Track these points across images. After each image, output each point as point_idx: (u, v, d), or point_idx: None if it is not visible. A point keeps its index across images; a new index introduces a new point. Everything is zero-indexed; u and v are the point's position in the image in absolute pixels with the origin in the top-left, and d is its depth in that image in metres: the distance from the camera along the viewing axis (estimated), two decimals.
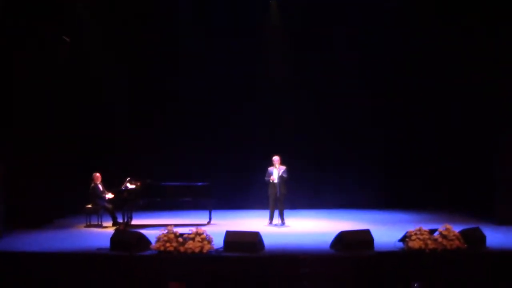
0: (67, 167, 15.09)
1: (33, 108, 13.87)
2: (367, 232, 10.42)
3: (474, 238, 10.28)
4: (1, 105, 12.99)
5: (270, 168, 13.44)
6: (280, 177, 13.28)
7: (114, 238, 10.36)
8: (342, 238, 10.21)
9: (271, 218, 13.59)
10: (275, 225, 13.42)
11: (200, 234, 9.95)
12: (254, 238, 10.22)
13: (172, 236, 9.96)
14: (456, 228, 10.26)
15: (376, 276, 9.27)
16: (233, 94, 16.95)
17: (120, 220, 13.51)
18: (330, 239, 10.49)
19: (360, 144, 17.02)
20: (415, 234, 9.94)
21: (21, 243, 11.18)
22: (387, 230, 12.27)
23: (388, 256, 9.75)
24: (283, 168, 13.37)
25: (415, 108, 16.86)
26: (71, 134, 15.42)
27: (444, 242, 9.84)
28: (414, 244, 9.79)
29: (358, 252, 9.87)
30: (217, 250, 10.01)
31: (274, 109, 17.09)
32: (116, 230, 11.73)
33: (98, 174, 13.88)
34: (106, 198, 13.65)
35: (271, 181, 13.32)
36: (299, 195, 16.23)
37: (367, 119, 16.97)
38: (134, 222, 13.90)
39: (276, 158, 13.43)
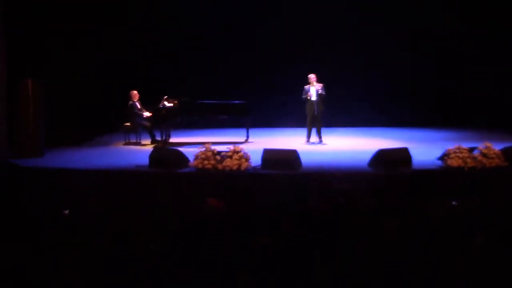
0: (106, 87, 15.15)
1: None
2: (405, 150, 10.30)
3: None
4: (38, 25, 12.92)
5: (306, 87, 13.27)
6: (318, 95, 13.12)
7: (152, 156, 10.46)
8: (381, 156, 10.12)
9: (309, 136, 13.54)
10: (313, 143, 13.40)
11: (237, 152, 9.97)
12: (291, 156, 10.21)
13: (210, 153, 10.00)
14: (496, 147, 10.07)
15: (414, 194, 9.21)
16: (269, 13, 16.64)
17: (158, 138, 13.64)
18: (367, 157, 10.42)
19: (399, 60, 16.66)
20: (454, 152, 9.79)
21: (62, 160, 11.38)
22: (425, 148, 12.16)
23: (426, 174, 9.66)
24: (320, 85, 13.18)
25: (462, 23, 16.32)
26: (109, 54, 15.38)
27: (484, 160, 9.68)
28: (453, 162, 9.66)
29: (396, 170, 9.79)
30: (254, 167, 10.05)
31: (310, 26, 16.76)
32: (154, 148, 11.85)
33: (135, 92, 13.93)
34: (144, 116, 13.73)
35: (308, 98, 13.18)
36: (337, 113, 16.11)
37: (405, 34, 16.52)
38: (172, 140, 14.04)
39: (312, 76, 13.22)
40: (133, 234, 5.60)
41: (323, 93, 13.14)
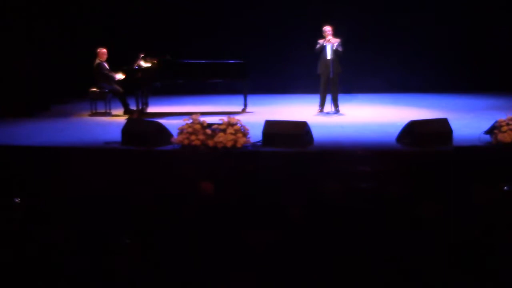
0: (64, 39, 15.06)
1: None
2: (444, 122, 10.27)
3: None
4: None
5: (320, 41, 13.21)
6: (334, 52, 13.07)
7: (126, 129, 10.42)
8: (413, 129, 10.09)
9: (322, 104, 13.53)
10: (327, 113, 13.39)
11: (233, 125, 9.94)
12: (300, 130, 10.18)
13: (198, 126, 9.96)
14: None
15: (455, 177, 9.20)
16: None
17: (133, 107, 13.60)
18: (396, 130, 10.40)
19: (434, 13, 16.64)
20: (507, 124, 9.74)
21: (8, 135, 11.31)
22: (470, 119, 12.16)
23: (471, 151, 9.65)
24: (337, 40, 13.12)
25: None
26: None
27: None
28: (505, 136, 9.61)
29: (432, 147, 9.77)
30: (254, 144, 10.04)
31: None
32: (128, 120, 11.81)
33: (104, 50, 13.84)
34: (116, 79, 13.67)
35: (321, 52, 13.10)
36: (357, 75, 16.08)
37: None
38: (151, 109, 14.03)
39: (327, 29, 13.16)
40: (105, 227, 5.63)
41: (340, 49, 13.08)
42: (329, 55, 13.10)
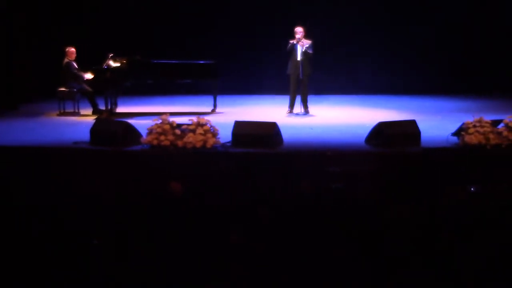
0: (31, 37, 14.92)
1: None
2: (412, 123, 10.34)
3: None
4: None
5: (291, 42, 13.23)
6: (304, 53, 13.10)
7: (95, 129, 10.36)
8: (381, 131, 10.15)
9: (292, 105, 13.55)
10: (297, 114, 13.41)
11: (202, 125, 9.92)
12: (270, 130, 10.19)
13: (167, 127, 9.93)
14: None
15: (422, 178, 9.26)
16: None
17: (102, 107, 13.51)
18: (365, 132, 10.46)
19: (407, 14, 16.77)
20: (474, 126, 9.83)
21: None
22: (437, 121, 12.26)
23: (439, 152, 9.71)
24: (308, 42, 13.15)
25: None
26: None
27: (511, 136, 9.76)
28: (472, 138, 9.70)
29: (400, 148, 9.83)
30: (223, 144, 10.02)
31: None
32: (97, 119, 11.74)
33: (73, 49, 13.74)
34: (84, 79, 13.58)
35: (291, 52, 13.13)
36: (328, 77, 16.12)
37: None
38: (120, 109, 13.93)
39: (299, 30, 13.17)
40: (72, 228, 5.60)
41: (310, 51, 13.10)
42: (299, 56, 13.12)
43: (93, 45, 14.81)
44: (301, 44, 13.09)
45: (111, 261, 5.14)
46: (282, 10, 16.40)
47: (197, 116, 10.26)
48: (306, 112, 13.44)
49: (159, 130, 9.91)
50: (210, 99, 14.05)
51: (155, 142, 9.86)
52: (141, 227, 5.58)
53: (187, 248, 5.20)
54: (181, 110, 13.50)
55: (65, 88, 13.62)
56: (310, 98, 13.67)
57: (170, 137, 9.84)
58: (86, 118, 13.07)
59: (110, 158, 9.73)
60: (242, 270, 4.96)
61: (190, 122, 10.00)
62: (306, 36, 13.18)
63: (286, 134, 10.47)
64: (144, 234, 5.46)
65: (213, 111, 13.84)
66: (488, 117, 10.07)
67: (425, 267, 4.99)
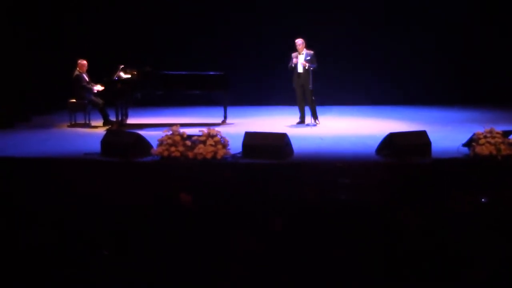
0: (44, 51, 14.99)
1: None
2: (423, 134, 10.32)
3: None
4: None
5: (293, 54, 13.25)
6: (304, 68, 13.10)
7: (105, 141, 10.39)
8: (392, 141, 10.13)
9: (302, 116, 13.56)
10: (307, 125, 13.40)
11: (213, 136, 9.93)
12: (280, 141, 10.19)
13: (178, 138, 9.94)
14: None
15: (433, 189, 9.24)
16: None
17: (112, 119, 13.55)
18: (376, 142, 10.44)
19: (418, 25, 16.77)
20: (485, 136, 9.81)
21: None
22: (448, 132, 12.22)
23: (450, 163, 9.69)
24: (309, 53, 13.14)
25: None
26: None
27: None
28: (483, 149, 9.67)
29: (411, 159, 9.81)
30: (234, 155, 10.01)
31: None
32: (108, 131, 11.76)
33: (84, 62, 13.78)
34: (95, 91, 13.62)
35: (293, 67, 13.15)
36: (337, 88, 16.14)
37: None
38: (130, 121, 13.96)
39: (299, 42, 13.18)
40: (83, 238, 5.61)
41: (313, 67, 13.07)
42: (300, 69, 13.14)
43: (104, 56, 14.83)
44: (303, 64, 13.07)
45: (112, 261, 5.15)
46: (293, 23, 16.39)
47: (207, 127, 10.25)
48: (316, 123, 13.43)
49: (169, 141, 9.92)
50: (220, 110, 14.06)
51: (165, 153, 9.87)
52: (146, 231, 5.59)
53: (195, 251, 5.21)
54: (191, 121, 13.52)
55: (76, 99, 13.67)
56: (320, 109, 13.66)
57: (181, 148, 9.85)
58: (97, 129, 13.10)
59: (121, 169, 9.74)
60: (242, 270, 4.96)
61: (200, 133, 10.01)
62: (307, 46, 13.21)
63: (296, 145, 10.46)
64: (149, 238, 5.46)
65: (223, 122, 13.85)
66: (498, 128, 10.05)
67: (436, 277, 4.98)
